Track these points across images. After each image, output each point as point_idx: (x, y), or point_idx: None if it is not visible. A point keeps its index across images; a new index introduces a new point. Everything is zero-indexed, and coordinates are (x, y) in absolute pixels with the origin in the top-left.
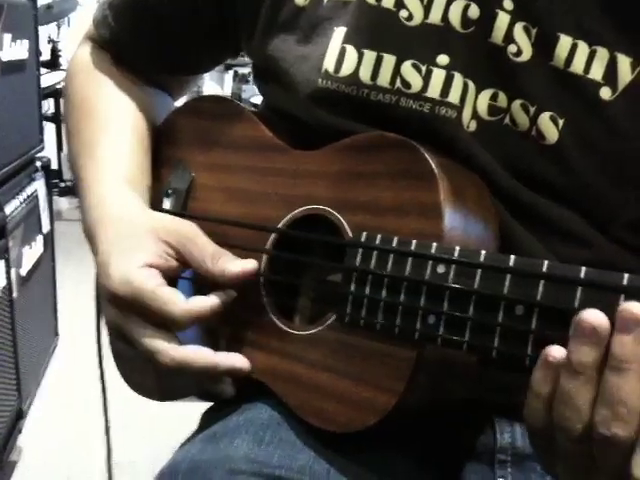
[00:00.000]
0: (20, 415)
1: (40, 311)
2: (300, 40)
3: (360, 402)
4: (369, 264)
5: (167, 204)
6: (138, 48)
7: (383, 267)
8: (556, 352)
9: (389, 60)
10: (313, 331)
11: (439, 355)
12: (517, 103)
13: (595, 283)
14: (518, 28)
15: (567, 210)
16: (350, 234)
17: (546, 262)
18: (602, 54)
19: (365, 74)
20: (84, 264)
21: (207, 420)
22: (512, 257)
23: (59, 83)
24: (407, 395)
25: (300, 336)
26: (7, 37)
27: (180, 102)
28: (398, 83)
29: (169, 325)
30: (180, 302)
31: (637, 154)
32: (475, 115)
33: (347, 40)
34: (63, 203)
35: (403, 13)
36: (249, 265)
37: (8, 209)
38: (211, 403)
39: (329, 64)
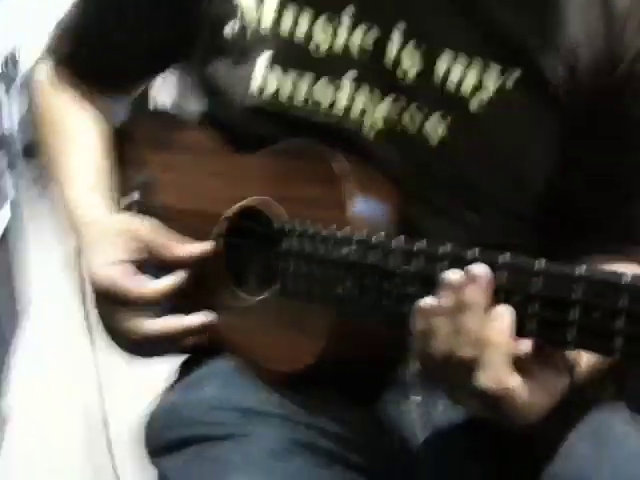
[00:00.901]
0: None
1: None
2: (233, 64)
3: (300, 348)
4: (292, 247)
5: (130, 200)
6: (88, 66)
7: (302, 249)
8: (428, 301)
9: (303, 82)
10: (260, 297)
11: (350, 311)
12: (407, 114)
13: (452, 256)
14: (407, 51)
15: (452, 198)
16: (284, 216)
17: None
18: (475, 67)
19: (284, 94)
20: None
21: (183, 371)
22: (395, 240)
23: None
24: (331, 343)
25: (252, 301)
26: None
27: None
28: (311, 101)
29: (144, 307)
30: (147, 285)
31: (508, 157)
32: (374, 125)
33: (269, 66)
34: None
35: (312, 45)
36: (198, 248)
37: None
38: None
39: (255, 86)
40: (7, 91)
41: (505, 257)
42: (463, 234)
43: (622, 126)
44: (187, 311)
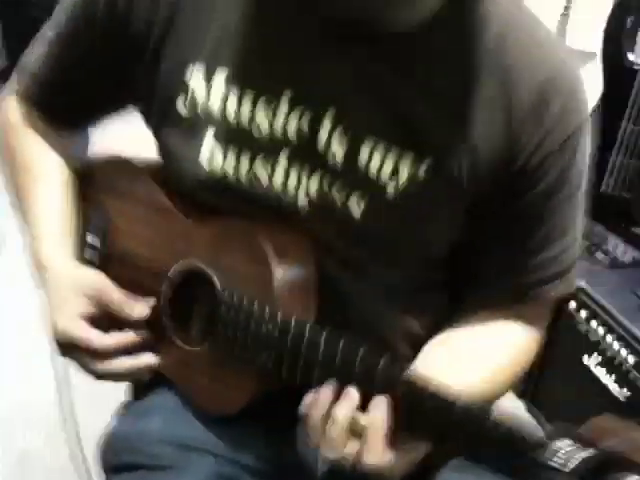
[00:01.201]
0: None
1: None
2: (183, 135)
3: (225, 398)
4: (224, 314)
5: (90, 242)
6: (52, 103)
7: (241, 316)
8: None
9: (245, 160)
10: (197, 348)
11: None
12: (334, 190)
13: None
14: (335, 136)
15: (373, 261)
16: (218, 285)
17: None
18: (392, 156)
19: (228, 169)
20: None
21: (135, 396)
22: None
23: None
24: (255, 393)
25: (189, 350)
26: None
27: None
28: (252, 176)
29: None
30: (104, 338)
31: (419, 231)
32: (307, 199)
33: (215, 143)
34: None
35: (254, 127)
36: (144, 310)
37: None
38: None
39: (203, 161)
40: None
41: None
42: (382, 291)
43: (514, 209)
44: (134, 352)
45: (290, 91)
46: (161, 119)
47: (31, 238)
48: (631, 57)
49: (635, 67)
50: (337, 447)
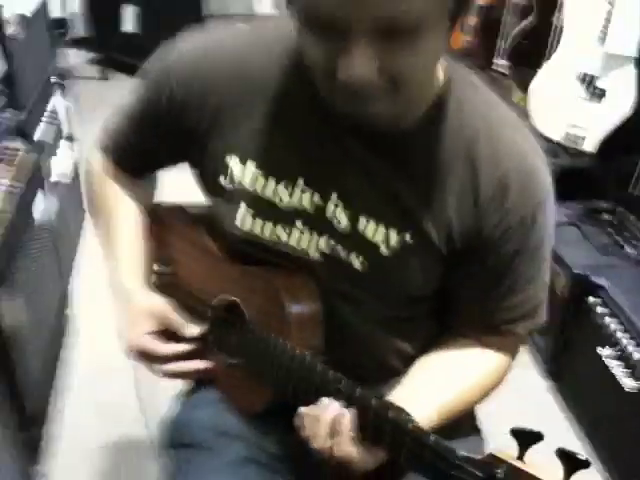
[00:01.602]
0: (64, 297)
1: (70, 203)
2: (225, 204)
3: (252, 401)
4: (256, 338)
5: (156, 269)
6: (125, 159)
7: (261, 343)
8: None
9: (269, 224)
10: (233, 361)
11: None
12: (339, 248)
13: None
14: (339, 209)
15: (369, 299)
16: (247, 317)
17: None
18: (384, 227)
19: (256, 230)
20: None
21: (190, 391)
22: (314, 361)
23: None
24: (272, 399)
25: (227, 361)
26: None
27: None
28: (275, 236)
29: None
30: (162, 349)
31: (406, 280)
32: (317, 252)
33: (246, 210)
34: (73, 56)
35: (277, 200)
36: (195, 331)
37: (37, 134)
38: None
39: (238, 222)
40: None
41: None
42: (377, 322)
43: (482, 266)
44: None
45: (302, 178)
46: (209, 187)
47: (111, 269)
48: None
49: None
50: (319, 442)
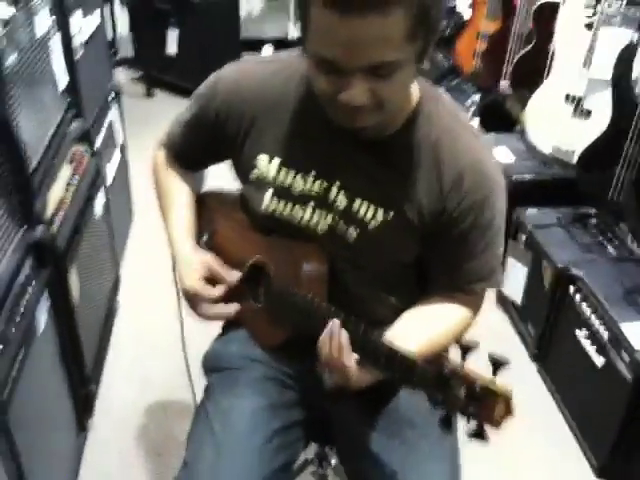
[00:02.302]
0: (117, 281)
1: (121, 202)
2: (255, 191)
3: (275, 334)
4: (278, 288)
5: (203, 241)
6: (182, 156)
7: (284, 291)
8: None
9: (289, 206)
10: (259, 305)
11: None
12: (339, 224)
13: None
14: (340, 194)
15: (363, 263)
16: (271, 273)
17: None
18: (372, 207)
19: (280, 210)
20: (153, 136)
21: (223, 330)
22: (320, 303)
23: None
24: (289, 335)
25: (255, 308)
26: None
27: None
28: (291, 215)
29: (209, 301)
30: (213, 290)
31: (390, 249)
32: (323, 226)
33: (271, 196)
34: (120, 75)
35: (295, 186)
36: (236, 276)
37: (98, 142)
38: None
39: (265, 204)
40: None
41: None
42: (370, 280)
43: (447, 237)
44: (227, 303)
45: (314, 170)
46: (243, 179)
47: (169, 236)
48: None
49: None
50: (330, 363)
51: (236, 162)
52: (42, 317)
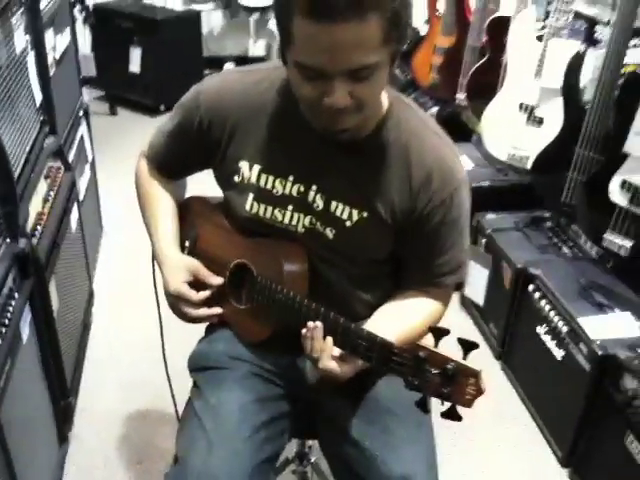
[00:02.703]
0: (91, 294)
1: (92, 216)
2: (237, 195)
3: (258, 332)
4: (262, 287)
5: (187, 245)
6: (164, 166)
7: (267, 290)
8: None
9: (269, 208)
10: (243, 307)
11: (282, 324)
12: (318, 224)
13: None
14: (318, 196)
15: (341, 260)
16: (255, 273)
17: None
18: (348, 207)
19: (261, 213)
20: (118, 153)
21: (207, 332)
22: (301, 300)
23: None
24: (273, 331)
25: (239, 307)
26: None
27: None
28: (273, 217)
29: (193, 304)
30: (196, 294)
31: (367, 245)
32: (302, 227)
33: (253, 199)
34: (84, 94)
35: (274, 190)
36: (218, 280)
37: (69, 158)
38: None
39: (247, 207)
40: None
41: (333, 316)
42: (347, 278)
43: (418, 234)
44: (211, 306)
45: (293, 175)
46: (225, 184)
47: (153, 242)
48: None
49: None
50: (313, 355)
51: (219, 169)
52: (26, 328)
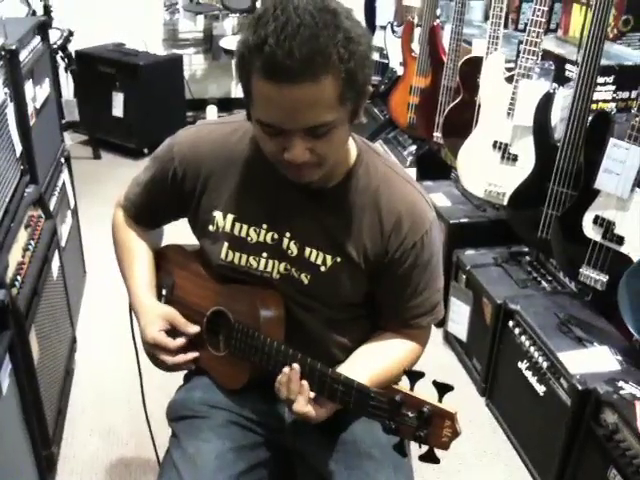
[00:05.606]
0: (74, 340)
1: (74, 263)
2: (212, 243)
3: (234, 379)
4: (234, 334)
5: (163, 293)
6: (140, 216)
7: (244, 336)
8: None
9: (244, 256)
10: (221, 354)
11: (259, 370)
12: (293, 269)
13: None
14: (292, 243)
15: (316, 305)
16: (232, 320)
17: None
18: (322, 253)
19: (236, 260)
20: (102, 196)
21: (185, 380)
22: (277, 346)
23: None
24: (250, 378)
25: (216, 355)
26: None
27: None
28: (248, 264)
29: (170, 352)
30: (173, 342)
31: (340, 290)
32: (278, 273)
33: (228, 248)
34: (67, 138)
35: (248, 238)
36: (195, 329)
37: (51, 205)
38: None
39: (222, 256)
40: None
41: (311, 362)
42: (323, 322)
43: (391, 277)
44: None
45: (265, 224)
46: (200, 232)
47: (130, 292)
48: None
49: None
50: (291, 397)
51: (193, 218)
52: (6, 379)
